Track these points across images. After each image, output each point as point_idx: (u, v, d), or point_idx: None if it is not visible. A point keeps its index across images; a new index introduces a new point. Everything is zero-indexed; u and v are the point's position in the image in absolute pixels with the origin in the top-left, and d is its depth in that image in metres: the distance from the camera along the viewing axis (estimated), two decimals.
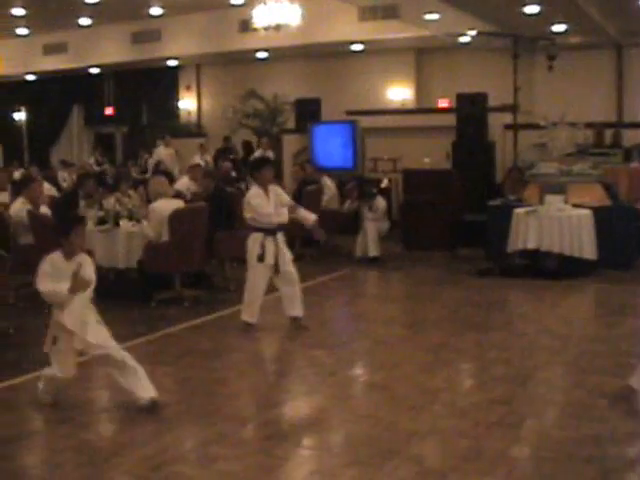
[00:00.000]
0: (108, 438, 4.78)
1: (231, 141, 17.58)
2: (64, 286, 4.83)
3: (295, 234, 9.16)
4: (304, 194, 11.05)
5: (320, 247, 11.50)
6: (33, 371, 5.87)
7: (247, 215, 7.04)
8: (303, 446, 4.63)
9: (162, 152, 16.69)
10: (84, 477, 4.11)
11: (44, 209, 8.74)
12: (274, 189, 7.09)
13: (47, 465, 4.31)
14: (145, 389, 4.96)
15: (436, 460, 4.28)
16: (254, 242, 6.97)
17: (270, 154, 15.05)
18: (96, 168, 17.19)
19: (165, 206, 8.21)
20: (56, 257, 5.00)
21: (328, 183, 12.17)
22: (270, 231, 6.94)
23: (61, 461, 4.31)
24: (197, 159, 15.56)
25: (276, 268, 6.98)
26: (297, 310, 7.13)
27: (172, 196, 8.92)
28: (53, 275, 4.92)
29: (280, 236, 7.02)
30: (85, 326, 4.92)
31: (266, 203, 6.93)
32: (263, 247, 6.90)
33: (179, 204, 8.46)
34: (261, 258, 6.91)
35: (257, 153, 15.31)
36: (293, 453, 4.54)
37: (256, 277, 7.05)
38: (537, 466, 4.16)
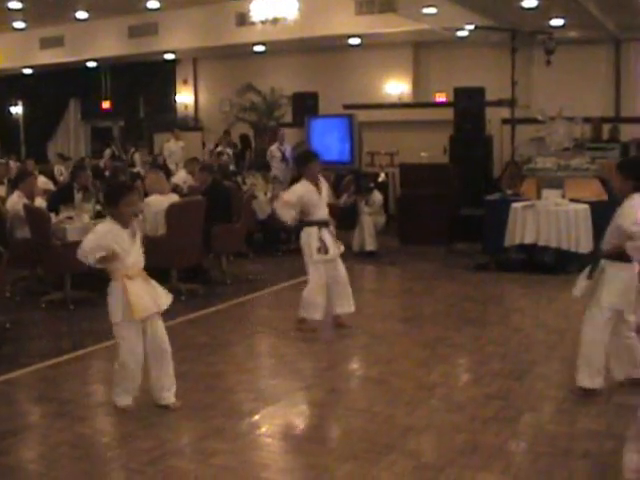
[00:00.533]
0: (104, 432, 4.77)
1: (231, 135, 17.55)
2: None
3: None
4: None
5: None
6: (30, 365, 5.91)
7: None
8: (299, 440, 4.63)
9: (172, 145, 16.58)
10: (80, 471, 4.11)
11: (39, 202, 8.75)
12: (324, 183, 6.98)
13: (43, 459, 4.30)
14: (171, 393, 5.00)
15: (432, 455, 4.29)
16: (310, 236, 6.74)
17: (287, 146, 14.85)
18: (116, 163, 16.42)
19: (159, 201, 8.22)
20: (114, 228, 4.84)
21: None
22: (323, 223, 6.80)
23: (57, 455, 4.30)
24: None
25: None
26: (345, 307, 6.97)
27: (169, 190, 8.91)
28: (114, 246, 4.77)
29: (332, 229, 6.91)
30: (154, 290, 4.95)
31: (318, 197, 6.78)
32: (322, 240, 6.72)
33: (173, 199, 8.44)
34: (324, 250, 6.69)
35: (273, 147, 15.08)
36: (289, 447, 4.54)
37: (319, 274, 6.78)
38: (533, 461, 4.16)
